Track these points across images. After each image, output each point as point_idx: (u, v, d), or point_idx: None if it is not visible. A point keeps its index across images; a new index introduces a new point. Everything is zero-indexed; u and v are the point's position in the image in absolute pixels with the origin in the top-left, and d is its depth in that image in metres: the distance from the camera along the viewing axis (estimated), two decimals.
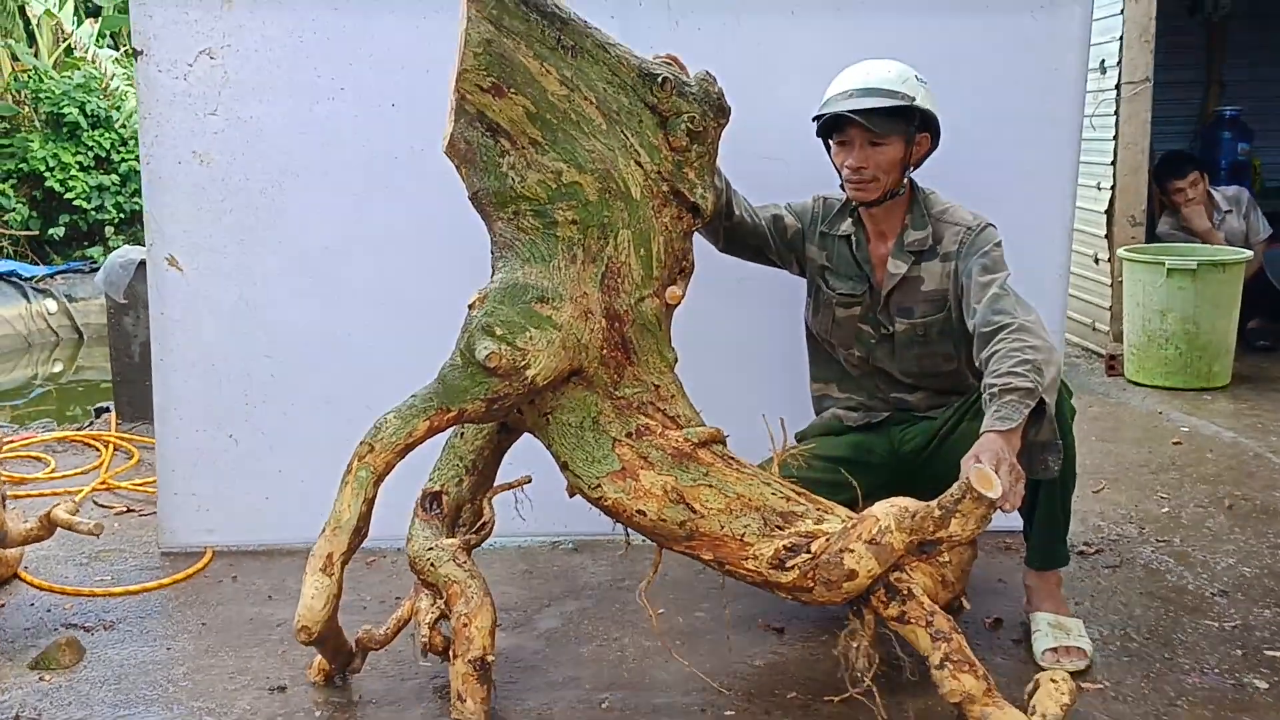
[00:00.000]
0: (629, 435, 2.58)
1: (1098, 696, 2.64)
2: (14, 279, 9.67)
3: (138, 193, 11.09)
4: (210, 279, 3.49)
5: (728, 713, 2.60)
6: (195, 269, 3.49)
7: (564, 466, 2.62)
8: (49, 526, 3.17)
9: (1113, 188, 5.98)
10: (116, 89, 10.31)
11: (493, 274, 2.60)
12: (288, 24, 3.39)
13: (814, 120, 2.88)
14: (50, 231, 10.65)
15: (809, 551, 2.47)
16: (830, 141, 2.91)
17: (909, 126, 2.81)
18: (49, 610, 3.21)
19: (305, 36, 3.40)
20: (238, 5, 3.38)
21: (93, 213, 10.78)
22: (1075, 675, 2.62)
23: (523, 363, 2.45)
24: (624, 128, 2.58)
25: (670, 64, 2.66)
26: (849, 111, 2.77)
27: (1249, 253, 5.70)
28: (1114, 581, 3.32)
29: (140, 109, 3.44)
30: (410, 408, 2.50)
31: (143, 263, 4.96)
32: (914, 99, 2.78)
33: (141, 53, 3.40)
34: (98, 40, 10.86)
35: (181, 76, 3.41)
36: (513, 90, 2.48)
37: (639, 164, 2.58)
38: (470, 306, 2.52)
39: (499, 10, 2.46)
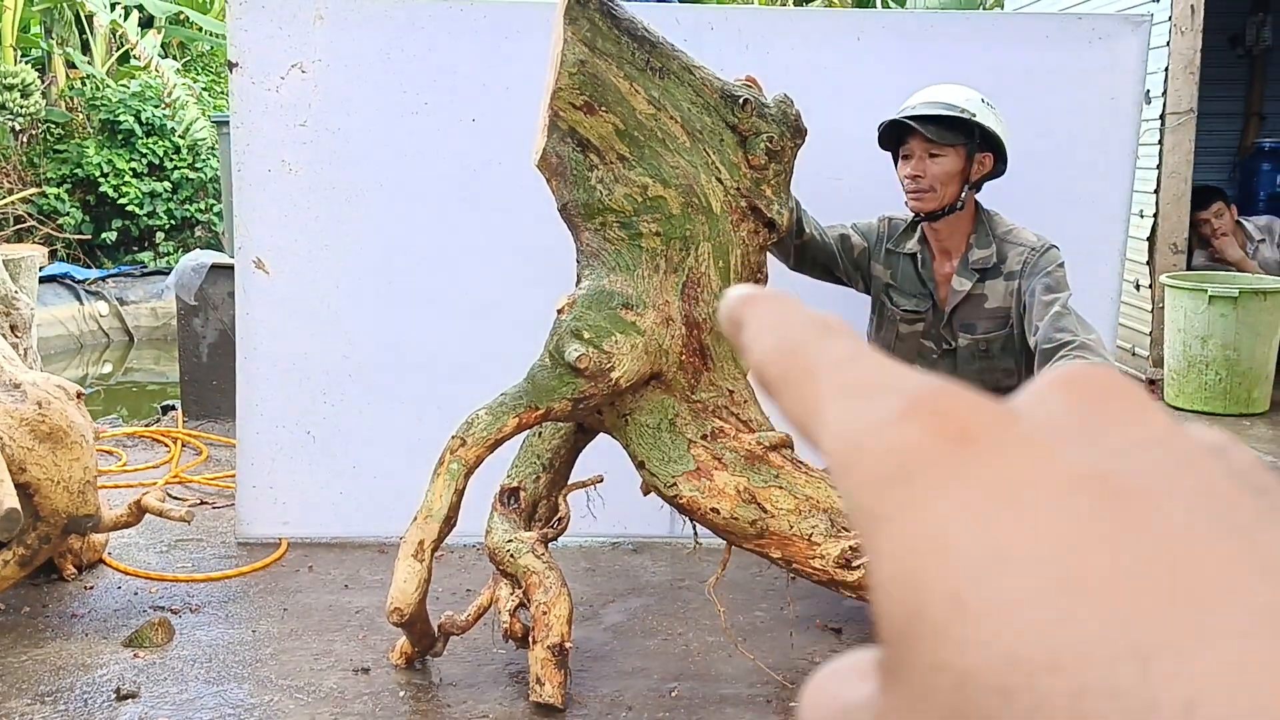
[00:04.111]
0: (704, 437, 2.72)
1: None
2: (67, 281, 9.90)
3: (189, 199, 11.35)
4: (294, 282, 3.65)
5: (793, 704, 2.72)
6: (280, 272, 3.65)
7: (640, 465, 2.75)
8: (138, 513, 3.33)
9: (1155, 215, 6.09)
10: (177, 98, 10.56)
11: (579, 281, 2.74)
12: (376, 41, 3.56)
13: (878, 130, 3.03)
14: (102, 236, 10.90)
15: None
16: (898, 156, 3.05)
17: (968, 141, 2.95)
18: (136, 593, 3.36)
19: (392, 53, 3.57)
20: (329, 22, 3.55)
21: (144, 218, 11.03)
22: None
23: (608, 365, 2.60)
24: (706, 146, 2.72)
25: (750, 86, 2.81)
26: (906, 118, 2.91)
27: None
28: None
29: (233, 118, 3.62)
30: (501, 405, 2.65)
31: (214, 266, 5.17)
32: (974, 115, 2.92)
33: (236, 65, 3.57)
34: (160, 51, 11.13)
35: (274, 89, 3.58)
36: (603, 108, 2.63)
37: (720, 180, 2.73)
38: (559, 311, 2.66)
39: (593, 33, 2.61)
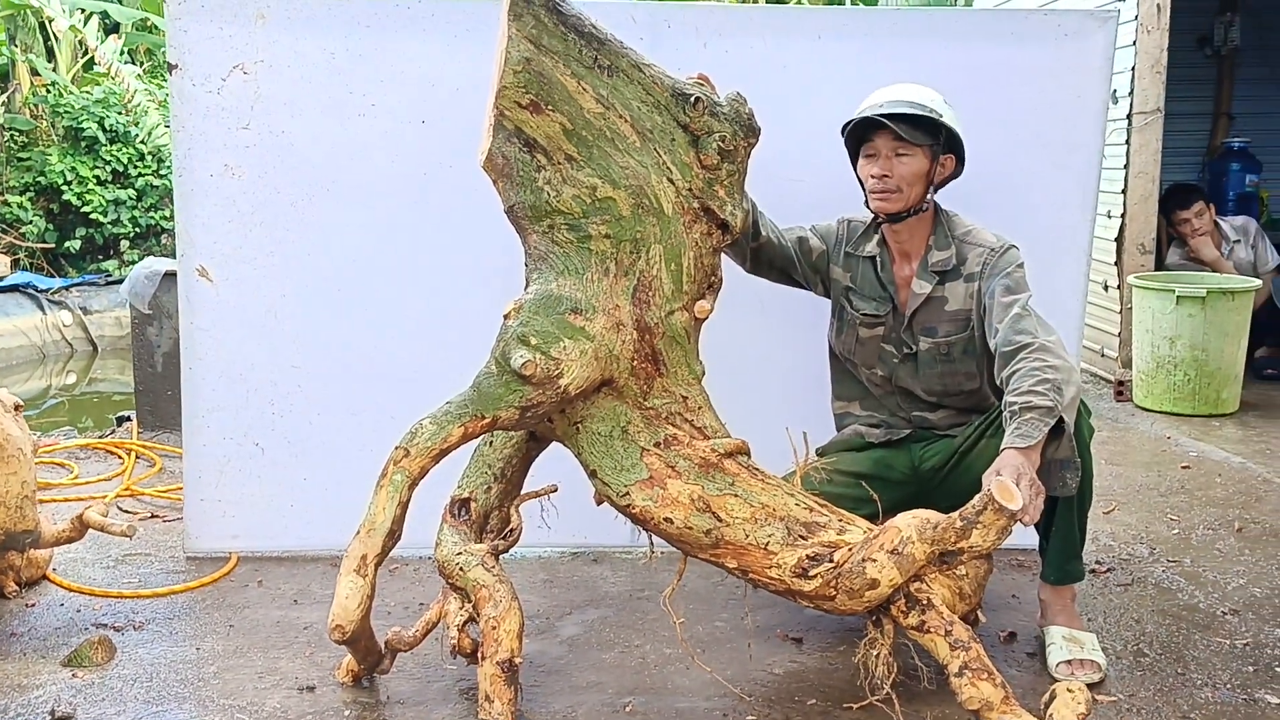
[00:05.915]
0: (657, 445, 2.64)
1: (1112, 708, 2.69)
2: (30, 290, 9.76)
3: (154, 207, 11.21)
4: (240, 290, 3.56)
5: (749, 717, 2.64)
6: (225, 280, 3.55)
7: (593, 474, 2.67)
8: (81, 528, 3.24)
9: (1123, 216, 6.06)
10: (138, 104, 10.42)
11: (527, 285, 2.66)
12: (321, 41, 3.47)
13: (842, 130, 2.96)
14: (66, 244, 10.75)
15: (832, 560, 2.53)
16: (858, 156, 2.97)
17: (934, 142, 2.88)
18: (79, 610, 3.26)
19: (338, 54, 3.47)
20: (272, 22, 3.46)
21: (109, 226, 10.88)
22: (1089, 688, 2.66)
23: (556, 372, 2.52)
24: (657, 145, 2.65)
25: (702, 84, 2.73)
26: (878, 115, 2.84)
27: (1258, 281, 5.77)
28: (1126, 599, 3.37)
29: (174, 122, 3.52)
30: (445, 414, 2.56)
31: (168, 274, 5.06)
32: (941, 116, 2.86)
33: (176, 66, 3.47)
34: (121, 56, 10.99)
35: (215, 91, 3.48)
36: (550, 107, 2.55)
37: (671, 181, 2.65)
38: (506, 316, 2.58)
39: (539, 30, 2.53)
